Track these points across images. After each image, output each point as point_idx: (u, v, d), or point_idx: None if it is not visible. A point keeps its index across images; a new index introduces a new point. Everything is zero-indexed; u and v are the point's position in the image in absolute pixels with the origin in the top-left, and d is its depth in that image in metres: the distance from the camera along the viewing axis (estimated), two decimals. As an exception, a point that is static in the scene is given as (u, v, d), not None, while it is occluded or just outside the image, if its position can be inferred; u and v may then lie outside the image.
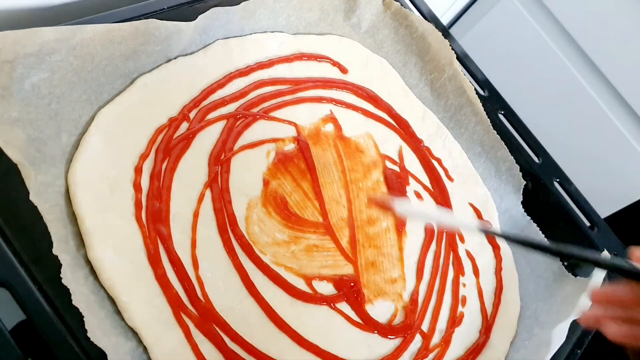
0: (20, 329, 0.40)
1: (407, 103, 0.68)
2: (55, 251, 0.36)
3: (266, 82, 0.57)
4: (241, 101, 0.55)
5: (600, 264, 0.39)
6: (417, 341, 0.52)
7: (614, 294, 0.37)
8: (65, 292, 0.35)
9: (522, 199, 0.66)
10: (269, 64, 0.58)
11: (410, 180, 0.62)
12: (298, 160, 0.55)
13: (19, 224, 0.38)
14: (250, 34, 0.58)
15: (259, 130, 0.54)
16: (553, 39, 1.01)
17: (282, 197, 0.52)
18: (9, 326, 0.35)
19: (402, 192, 0.60)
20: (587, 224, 0.65)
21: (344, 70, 0.64)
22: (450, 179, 0.65)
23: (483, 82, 0.71)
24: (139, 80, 0.48)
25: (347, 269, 0.52)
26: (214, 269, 0.45)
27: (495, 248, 0.63)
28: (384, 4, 0.69)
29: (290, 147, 0.55)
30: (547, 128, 0.78)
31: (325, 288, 0.50)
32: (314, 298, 0.48)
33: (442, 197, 0.63)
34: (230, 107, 0.54)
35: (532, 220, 0.64)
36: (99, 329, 0.36)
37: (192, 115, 0.50)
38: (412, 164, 0.64)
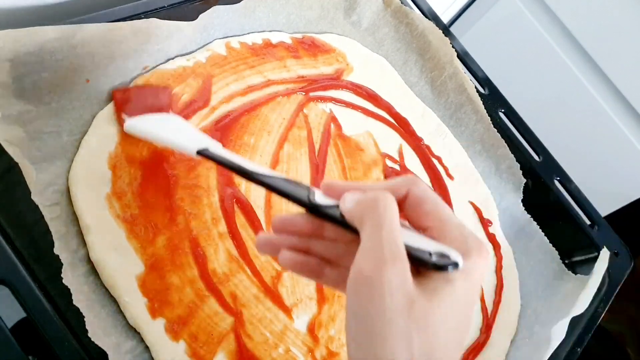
0: (21, 327, 0.41)
1: (406, 101, 0.68)
2: (56, 250, 0.36)
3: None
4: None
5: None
6: (417, 339, 0.52)
7: (293, 224, 0.35)
8: (66, 291, 0.35)
9: (522, 197, 0.66)
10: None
11: (411, 178, 0.62)
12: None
13: (20, 222, 0.38)
14: (249, 33, 0.58)
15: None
16: (553, 37, 1.01)
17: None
18: (10, 324, 0.35)
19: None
20: (588, 222, 0.65)
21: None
22: (450, 177, 0.65)
23: (483, 80, 0.70)
24: (134, 83, 0.48)
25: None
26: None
27: (496, 246, 0.63)
28: (385, 2, 0.69)
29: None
30: (547, 126, 0.78)
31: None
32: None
33: (442, 196, 0.63)
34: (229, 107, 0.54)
35: (532, 219, 0.64)
36: (99, 328, 0.36)
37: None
38: (412, 162, 0.64)
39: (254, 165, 0.35)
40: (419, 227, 0.31)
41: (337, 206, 0.31)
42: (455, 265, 0.28)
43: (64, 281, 0.35)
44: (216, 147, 0.38)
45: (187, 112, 0.49)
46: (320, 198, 0.33)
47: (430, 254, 0.28)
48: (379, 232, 0.28)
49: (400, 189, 0.31)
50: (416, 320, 0.27)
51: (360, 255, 0.28)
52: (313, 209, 0.33)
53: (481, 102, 0.67)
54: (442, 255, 0.28)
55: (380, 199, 0.29)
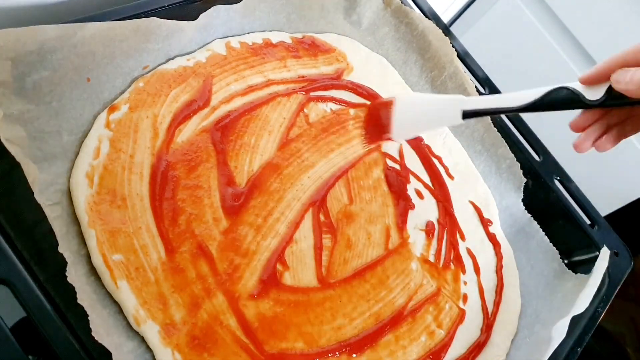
0: (21, 326, 0.40)
1: (407, 101, 0.68)
2: (60, 249, 0.36)
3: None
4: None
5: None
6: (417, 339, 0.53)
7: (585, 120, 0.48)
8: (66, 290, 0.35)
9: (522, 197, 0.66)
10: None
11: (411, 178, 0.62)
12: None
13: (20, 223, 0.38)
14: (250, 32, 0.58)
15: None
16: (554, 37, 1.01)
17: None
18: (10, 324, 0.35)
19: (403, 191, 0.60)
20: (588, 222, 0.65)
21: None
22: (450, 177, 0.65)
23: (483, 80, 0.70)
24: (135, 83, 0.48)
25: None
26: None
27: (496, 246, 0.63)
28: (385, 2, 0.69)
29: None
30: (547, 126, 0.78)
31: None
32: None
33: (442, 195, 0.63)
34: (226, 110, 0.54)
35: (532, 218, 0.64)
36: (102, 328, 0.36)
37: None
38: (413, 162, 0.64)
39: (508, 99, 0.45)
40: None
41: (609, 94, 0.38)
42: None
43: (68, 279, 0.35)
44: (470, 101, 0.45)
45: (187, 112, 0.49)
46: (588, 93, 0.42)
47: None
48: None
49: None
50: None
51: None
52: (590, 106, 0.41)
53: (481, 101, 0.67)
54: None
55: None
